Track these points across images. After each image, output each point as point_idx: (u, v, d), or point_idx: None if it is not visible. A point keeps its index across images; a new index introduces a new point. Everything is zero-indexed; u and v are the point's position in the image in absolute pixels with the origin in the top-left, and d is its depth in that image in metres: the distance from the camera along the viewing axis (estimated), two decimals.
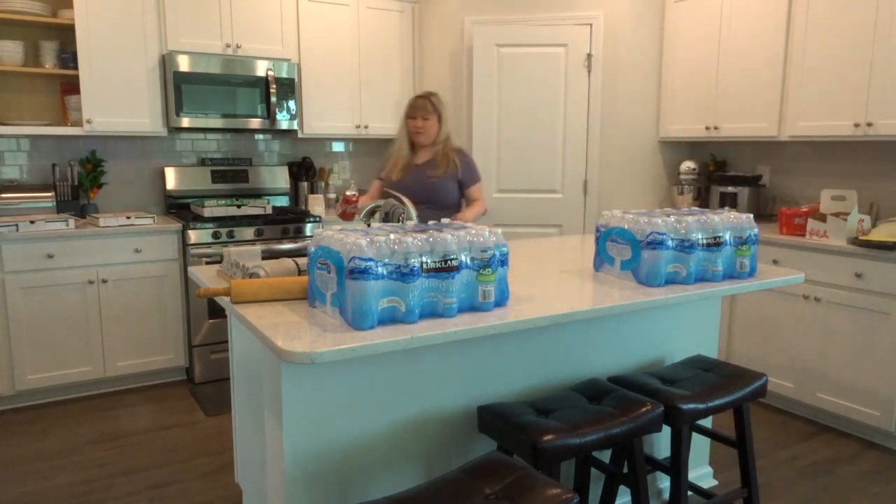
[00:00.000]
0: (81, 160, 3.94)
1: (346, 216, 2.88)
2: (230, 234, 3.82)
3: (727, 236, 2.20)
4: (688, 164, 4.28)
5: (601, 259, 2.29)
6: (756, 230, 2.28)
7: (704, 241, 2.16)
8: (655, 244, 2.08)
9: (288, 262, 2.02)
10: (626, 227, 2.16)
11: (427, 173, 3.05)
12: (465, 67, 4.28)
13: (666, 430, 2.56)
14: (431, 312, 1.70)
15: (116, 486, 2.73)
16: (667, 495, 2.62)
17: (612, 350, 2.33)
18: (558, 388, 2.21)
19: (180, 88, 3.83)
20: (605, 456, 2.38)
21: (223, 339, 3.88)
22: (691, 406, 2.01)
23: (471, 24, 4.23)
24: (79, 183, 3.91)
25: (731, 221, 2.23)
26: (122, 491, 2.68)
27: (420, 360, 1.90)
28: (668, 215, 2.21)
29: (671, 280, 2.13)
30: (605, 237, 2.25)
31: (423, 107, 3.01)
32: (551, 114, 4.17)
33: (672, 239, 2.10)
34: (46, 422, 3.34)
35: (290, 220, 3.99)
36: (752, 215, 2.31)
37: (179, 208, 4.18)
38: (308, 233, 4.04)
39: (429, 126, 3.04)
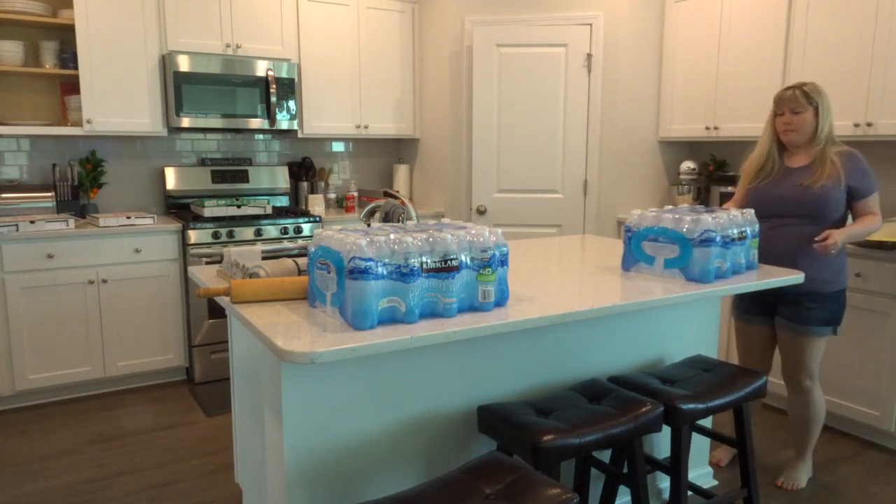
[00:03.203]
0: (81, 160, 3.94)
1: None
2: (230, 234, 3.82)
3: (748, 231, 2.30)
4: (688, 164, 4.28)
5: (634, 258, 2.31)
6: (757, 225, 2.36)
7: (736, 236, 2.24)
8: (707, 241, 2.13)
9: (288, 262, 2.02)
10: (669, 226, 2.20)
11: (802, 181, 2.54)
12: (465, 67, 4.28)
13: (666, 430, 2.56)
14: (431, 312, 1.70)
15: (116, 486, 2.73)
16: (667, 495, 2.62)
17: (612, 350, 2.33)
18: (558, 388, 2.21)
19: (180, 88, 3.83)
20: (605, 456, 2.38)
21: (223, 339, 3.88)
22: (691, 406, 2.01)
23: (471, 24, 4.23)
24: (79, 183, 3.91)
25: (744, 218, 2.32)
26: (122, 491, 2.68)
27: (420, 360, 1.90)
28: (699, 212, 2.28)
29: (719, 276, 2.20)
30: (639, 237, 2.27)
31: (791, 99, 2.51)
32: (551, 114, 4.17)
33: (721, 236, 2.17)
34: (46, 422, 3.34)
35: (290, 221, 3.99)
36: (752, 210, 2.36)
37: (179, 208, 4.18)
38: (308, 233, 4.04)
39: (801, 121, 2.52)
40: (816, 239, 2.39)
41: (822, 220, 2.51)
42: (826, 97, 2.52)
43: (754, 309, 2.76)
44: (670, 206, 2.48)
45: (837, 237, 2.36)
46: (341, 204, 4.82)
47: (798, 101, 2.50)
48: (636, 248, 2.29)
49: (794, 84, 2.55)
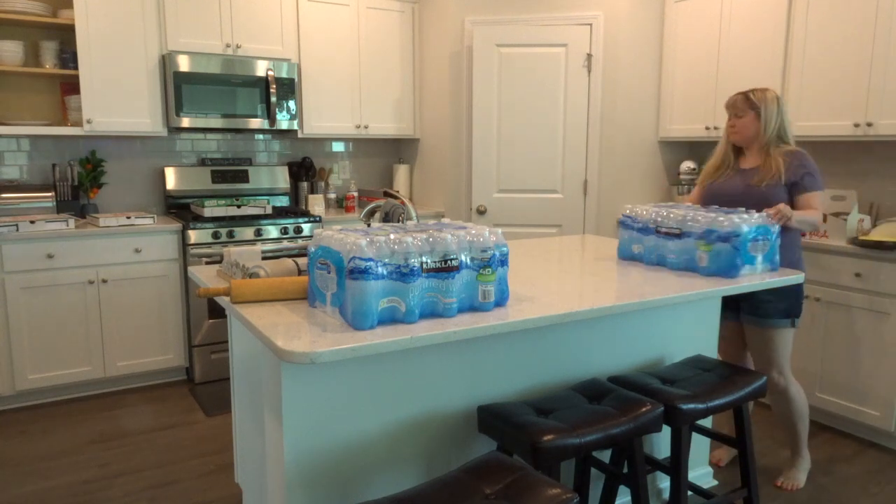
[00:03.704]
0: (81, 160, 3.94)
1: None
2: (230, 234, 3.82)
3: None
4: (688, 164, 4.28)
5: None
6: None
7: (753, 237, 2.27)
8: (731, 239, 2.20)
9: (288, 262, 2.02)
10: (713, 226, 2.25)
11: (750, 180, 2.66)
12: (465, 67, 4.28)
13: (666, 430, 2.56)
14: (431, 312, 1.70)
15: (116, 486, 2.73)
16: (667, 495, 2.62)
17: (612, 350, 2.33)
18: (558, 388, 2.21)
19: (180, 88, 3.83)
20: (605, 456, 2.38)
21: (223, 339, 3.88)
22: (691, 406, 2.01)
23: (471, 24, 4.23)
24: (79, 183, 3.91)
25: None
26: (122, 491, 2.68)
27: (420, 360, 1.90)
28: (718, 213, 2.32)
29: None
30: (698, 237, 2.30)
31: (734, 104, 2.69)
32: (551, 114, 4.17)
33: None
34: (46, 422, 3.34)
35: (290, 221, 3.99)
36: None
37: (179, 208, 4.18)
38: (308, 233, 4.04)
39: (742, 124, 2.67)
40: (768, 211, 2.38)
41: None
42: (772, 102, 2.63)
43: (723, 306, 2.80)
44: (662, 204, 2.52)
45: (789, 210, 2.41)
46: (341, 204, 4.82)
47: (738, 105, 2.67)
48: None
49: (743, 90, 2.70)
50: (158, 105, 3.86)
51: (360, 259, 1.55)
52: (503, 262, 1.80)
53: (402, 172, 4.86)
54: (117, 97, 3.74)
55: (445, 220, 1.97)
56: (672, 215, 2.37)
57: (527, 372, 2.13)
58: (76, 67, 3.67)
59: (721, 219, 2.23)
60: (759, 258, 2.28)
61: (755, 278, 2.24)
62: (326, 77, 4.33)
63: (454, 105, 4.34)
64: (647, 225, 2.45)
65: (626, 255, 2.55)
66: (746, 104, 2.65)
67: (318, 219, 4.09)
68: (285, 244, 2.46)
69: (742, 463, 2.30)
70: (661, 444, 2.56)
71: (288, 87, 4.14)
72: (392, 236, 1.63)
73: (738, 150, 2.77)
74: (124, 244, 3.62)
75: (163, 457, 2.97)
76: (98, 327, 3.60)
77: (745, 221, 2.23)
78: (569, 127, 4.17)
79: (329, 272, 1.66)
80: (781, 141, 2.66)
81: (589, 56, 4.11)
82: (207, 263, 3.74)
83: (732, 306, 2.77)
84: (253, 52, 4.06)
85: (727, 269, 2.22)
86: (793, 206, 2.60)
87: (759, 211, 2.53)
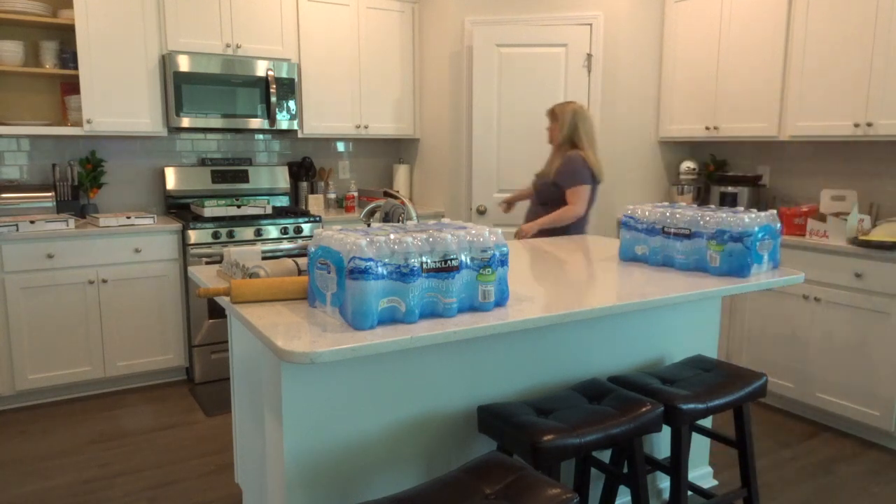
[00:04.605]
0: (81, 160, 3.94)
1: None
2: (230, 234, 3.82)
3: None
4: (688, 164, 4.28)
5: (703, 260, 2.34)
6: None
7: (762, 237, 2.26)
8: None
9: (288, 262, 2.02)
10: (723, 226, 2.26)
11: (537, 175, 3.40)
12: (465, 67, 4.28)
13: (666, 430, 2.56)
14: (431, 312, 1.70)
15: (116, 486, 2.73)
16: (667, 495, 2.62)
17: (612, 350, 2.33)
18: (558, 388, 2.21)
19: (180, 88, 3.83)
20: (605, 456, 2.38)
21: (223, 339, 3.88)
22: (691, 406, 2.01)
23: (471, 24, 4.23)
24: (79, 183, 3.91)
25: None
26: (122, 491, 2.68)
27: (420, 360, 1.90)
28: (731, 212, 2.33)
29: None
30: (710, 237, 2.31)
31: (547, 115, 3.38)
32: None
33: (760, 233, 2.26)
34: (46, 422, 3.34)
35: (290, 221, 3.99)
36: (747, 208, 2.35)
37: (179, 208, 4.18)
38: (308, 233, 4.05)
39: (550, 131, 3.36)
40: (515, 233, 3.24)
41: (551, 206, 3.27)
42: (569, 113, 3.23)
43: None
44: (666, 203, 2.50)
45: (526, 229, 3.23)
46: (341, 204, 4.82)
47: (547, 115, 3.36)
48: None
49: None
50: (158, 105, 3.86)
51: (360, 259, 1.55)
52: (503, 262, 1.80)
53: (402, 172, 4.86)
54: (117, 97, 3.74)
55: (445, 220, 1.97)
56: (679, 215, 2.36)
57: (527, 372, 2.13)
58: (76, 67, 3.67)
59: (731, 219, 2.22)
60: (766, 257, 2.28)
61: (762, 277, 2.24)
62: (326, 77, 4.33)
63: (454, 105, 4.34)
64: (652, 226, 2.43)
65: (628, 257, 2.52)
66: (551, 115, 3.32)
67: (318, 219, 4.09)
68: (285, 244, 2.46)
69: (742, 463, 2.30)
70: (661, 444, 2.56)
71: (288, 87, 4.14)
72: (392, 236, 1.63)
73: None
74: (124, 244, 3.62)
75: (163, 457, 2.97)
76: (98, 327, 3.60)
77: (755, 221, 2.22)
78: None
79: (329, 272, 1.66)
80: (573, 146, 3.24)
81: (589, 56, 4.11)
82: (207, 263, 3.74)
83: None
84: (253, 52, 4.06)
85: (739, 269, 2.21)
86: (563, 199, 3.23)
87: (543, 201, 3.28)
